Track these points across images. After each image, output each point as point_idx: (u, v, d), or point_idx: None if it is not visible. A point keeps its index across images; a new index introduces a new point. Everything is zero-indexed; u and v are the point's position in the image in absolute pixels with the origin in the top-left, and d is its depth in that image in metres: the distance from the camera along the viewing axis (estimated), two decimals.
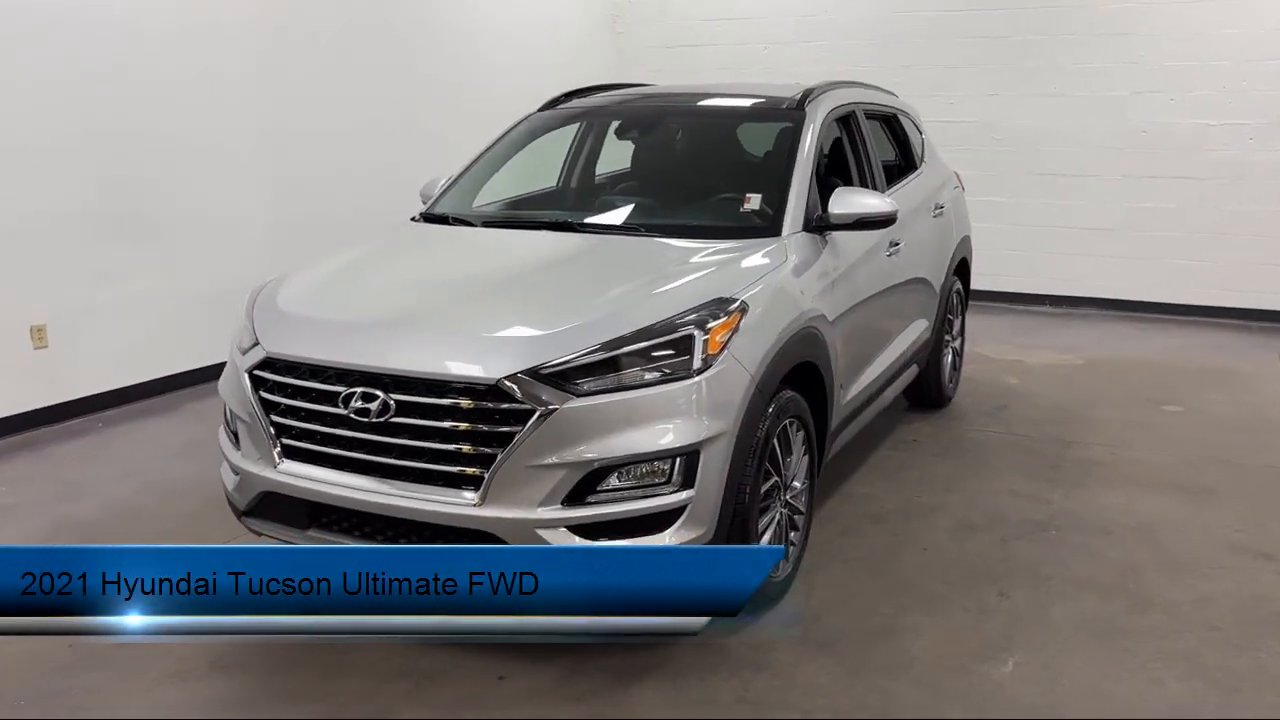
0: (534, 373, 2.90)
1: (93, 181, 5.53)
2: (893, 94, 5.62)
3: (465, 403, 2.93)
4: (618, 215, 4.14)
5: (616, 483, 2.95)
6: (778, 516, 3.53)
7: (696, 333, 3.06)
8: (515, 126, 4.70)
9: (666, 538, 2.99)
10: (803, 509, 3.71)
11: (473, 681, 3.12)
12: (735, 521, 3.19)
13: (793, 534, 3.67)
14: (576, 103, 4.81)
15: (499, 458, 2.89)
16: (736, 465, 3.12)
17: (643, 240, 3.78)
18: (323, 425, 3.11)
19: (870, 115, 5.12)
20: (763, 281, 3.41)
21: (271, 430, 3.20)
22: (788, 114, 4.30)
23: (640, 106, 4.78)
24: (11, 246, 5.20)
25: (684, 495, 3.00)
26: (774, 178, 4.02)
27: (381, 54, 7.28)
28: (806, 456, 3.70)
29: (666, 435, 2.96)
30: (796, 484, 3.65)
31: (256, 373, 3.22)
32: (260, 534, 3.35)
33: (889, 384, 4.80)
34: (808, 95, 4.39)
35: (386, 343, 3.11)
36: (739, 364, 3.13)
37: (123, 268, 5.76)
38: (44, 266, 5.38)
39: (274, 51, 6.48)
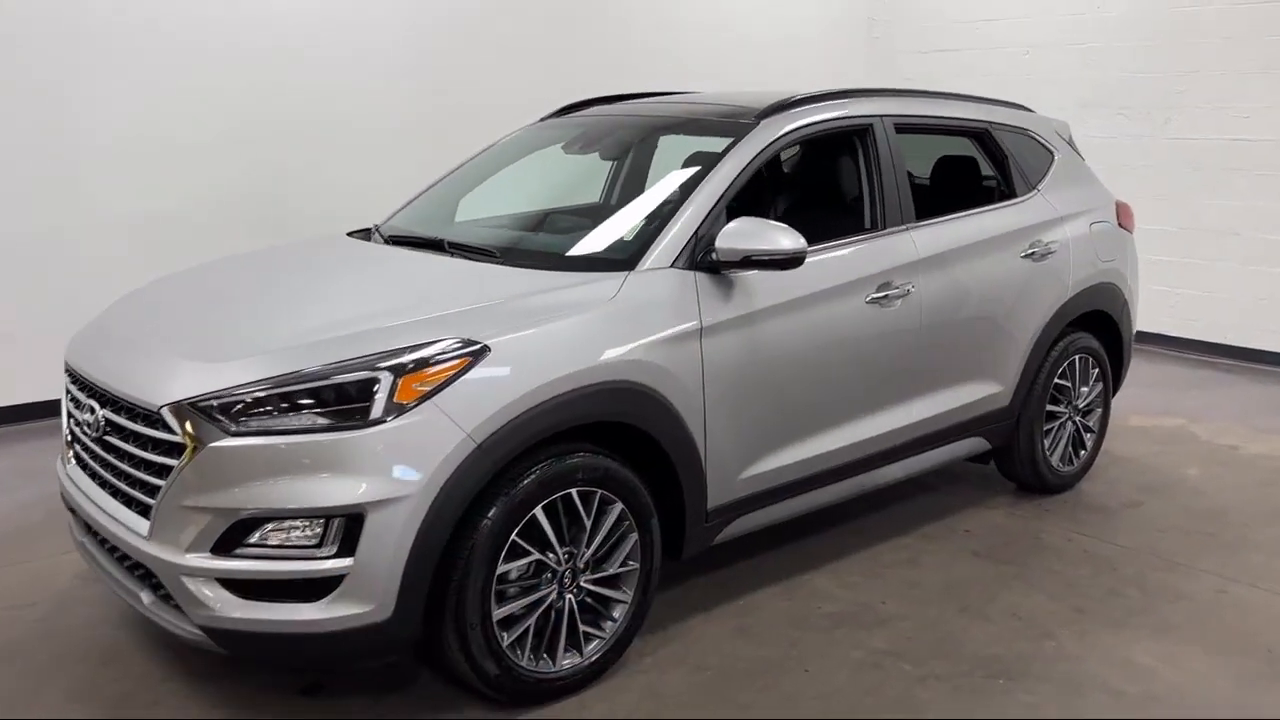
0: (194, 403, 2.64)
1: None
2: (989, 103, 4.59)
3: (142, 428, 2.75)
4: (491, 236, 3.72)
5: (266, 537, 2.61)
6: (565, 603, 2.97)
7: (384, 376, 2.63)
8: (501, 140, 4.41)
9: (318, 610, 2.60)
10: (624, 596, 3.11)
11: None
12: (439, 605, 2.72)
13: (607, 623, 3.08)
14: (573, 116, 4.40)
15: (161, 491, 2.68)
16: (432, 537, 2.65)
17: (471, 266, 3.35)
18: (81, 433, 3.09)
19: (921, 129, 4.21)
20: (537, 325, 2.87)
21: (66, 433, 3.24)
22: (734, 130, 3.62)
23: (603, 120, 4.27)
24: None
25: (340, 563, 2.59)
26: (668, 202, 3.40)
27: (605, 52, 7.19)
28: (636, 535, 3.09)
29: (322, 491, 2.57)
30: (612, 568, 3.06)
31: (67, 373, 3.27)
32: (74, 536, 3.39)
33: (891, 457, 3.92)
34: (773, 109, 3.68)
35: (116, 357, 3.02)
36: (447, 419, 2.65)
37: None
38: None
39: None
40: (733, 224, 3.24)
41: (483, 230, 3.90)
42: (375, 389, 2.61)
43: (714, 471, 3.29)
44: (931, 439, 4.07)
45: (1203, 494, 4.73)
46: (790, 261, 3.21)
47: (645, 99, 4.47)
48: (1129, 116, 7.60)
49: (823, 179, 4.15)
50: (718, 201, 3.37)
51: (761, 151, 3.55)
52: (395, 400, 2.61)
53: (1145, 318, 7.62)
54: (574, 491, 2.92)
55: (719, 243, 3.21)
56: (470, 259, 3.40)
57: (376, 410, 2.60)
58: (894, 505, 4.52)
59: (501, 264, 3.32)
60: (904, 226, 3.90)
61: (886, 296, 3.74)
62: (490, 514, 2.75)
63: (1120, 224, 4.84)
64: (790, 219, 4.08)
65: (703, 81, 7.10)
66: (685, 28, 7.81)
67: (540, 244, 3.63)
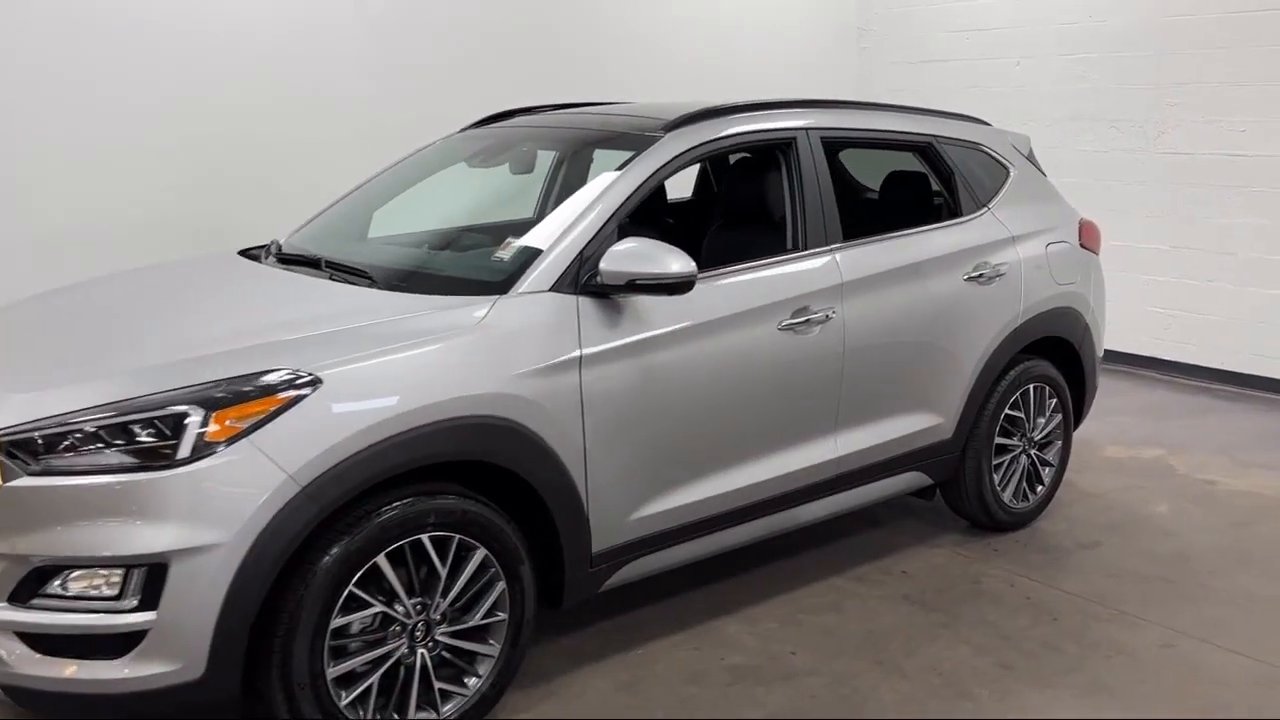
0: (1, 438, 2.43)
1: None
2: (936, 115, 4.31)
3: None
4: (378, 256, 3.49)
5: (64, 587, 2.39)
6: (417, 658, 2.72)
7: (193, 412, 2.40)
8: (421, 151, 4.18)
9: (120, 668, 2.38)
10: (490, 650, 2.86)
11: None
12: (263, 662, 2.49)
13: (471, 679, 2.83)
14: (494, 126, 4.17)
15: None
16: (248, 589, 2.41)
17: (335, 288, 3.12)
18: None
19: (854, 143, 3.96)
20: (382, 354, 2.63)
21: None
22: (637, 143, 3.38)
23: (513, 132, 4.03)
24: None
25: (141, 617, 2.36)
26: (558, 221, 3.16)
27: (579, 61, 7.00)
28: (504, 583, 2.85)
29: (122, 538, 2.34)
30: (475, 619, 2.81)
31: None
32: None
33: (814, 494, 3.65)
34: (681, 122, 3.43)
35: None
36: (266, 459, 2.41)
37: None
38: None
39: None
40: (618, 245, 2.99)
41: (374, 249, 3.67)
42: (184, 426, 2.38)
43: (599, 513, 3.04)
44: (861, 474, 3.79)
45: (1169, 535, 4.41)
46: (678, 286, 2.96)
47: (571, 109, 4.22)
48: (1121, 130, 7.28)
49: (746, 197, 3.89)
50: (609, 220, 3.12)
51: (664, 167, 3.31)
52: (206, 439, 2.38)
53: (1138, 341, 7.31)
54: (425, 537, 2.67)
55: (602, 265, 2.97)
56: (343, 281, 3.16)
57: (184, 449, 2.37)
58: (834, 542, 4.24)
59: (372, 286, 3.09)
60: (828, 248, 3.63)
61: (806, 322, 3.48)
62: (321, 563, 2.51)
63: (1083, 244, 4.53)
64: (716, 239, 3.89)
65: (687, 93, 6.90)
66: (668, 36, 7.57)
67: (421, 265, 3.39)
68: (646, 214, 4.35)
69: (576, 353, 2.92)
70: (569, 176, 4.23)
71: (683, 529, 3.29)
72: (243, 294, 3.22)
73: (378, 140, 5.79)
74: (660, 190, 4.34)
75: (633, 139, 3.41)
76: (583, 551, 3.03)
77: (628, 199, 3.19)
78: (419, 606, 2.71)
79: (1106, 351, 7.39)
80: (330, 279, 3.20)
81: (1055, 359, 4.43)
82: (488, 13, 6.58)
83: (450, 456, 2.69)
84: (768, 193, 3.75)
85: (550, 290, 2.96)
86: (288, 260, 3.52)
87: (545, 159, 4.13)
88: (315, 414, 2.49)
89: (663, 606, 3.68)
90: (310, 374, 2.51)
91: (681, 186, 5.17)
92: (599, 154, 3.68)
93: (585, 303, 3.00)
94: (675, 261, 2.95)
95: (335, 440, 2.49)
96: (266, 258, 3.58)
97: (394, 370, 2.63)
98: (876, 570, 4.02)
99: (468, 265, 3.28)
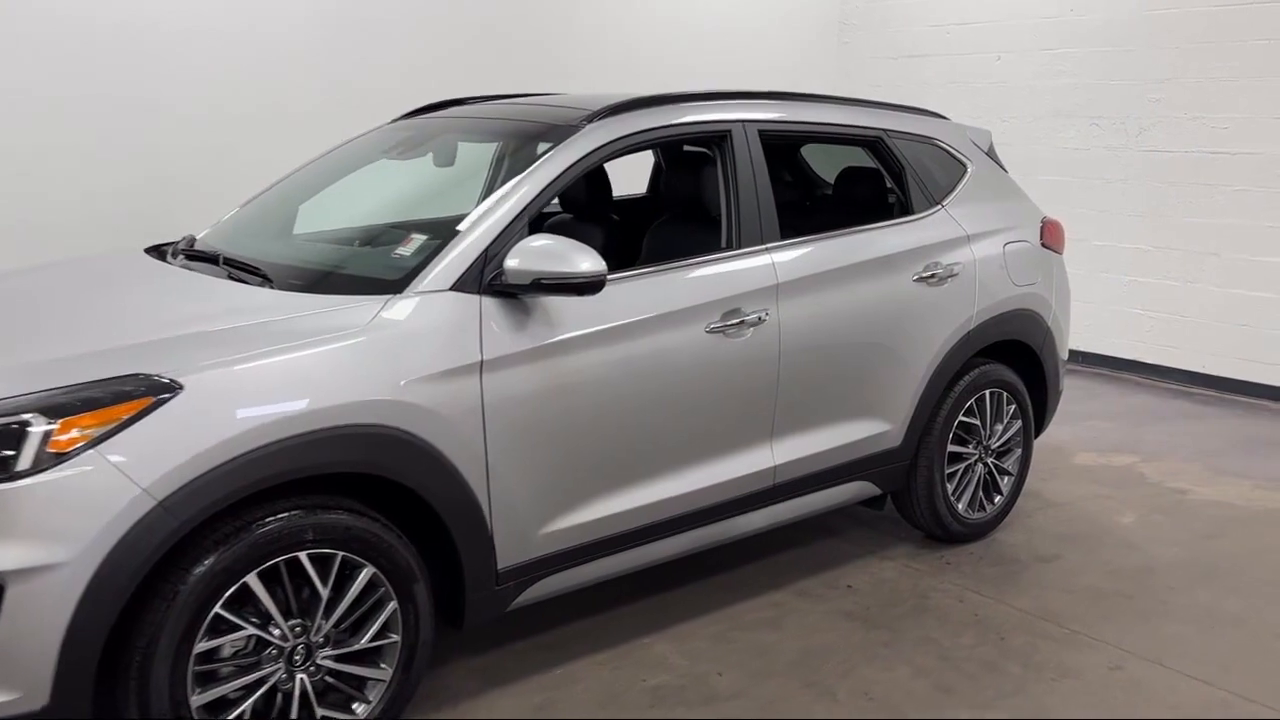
0: None
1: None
2: (888, 108, 4.12)
3: None
4: (281, 253, 3.30)
5: None
6: (296, 684, 2.54)
7: (37, 420, 2.22)
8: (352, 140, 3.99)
9: None
10: (382, 675, 2.68)
11: None
12: (120, 689, 2.31)
13: (360, 706, 2.66)
14: (428, 117, 3.98)
15: None
16: (97, 612, 2.24)
17: (222, 287, 2.94)
18: None
19: (796, 137, 3.78)
20: (254, 358, 2.45)
21: None
22: (556, 135, 3.19)
23: (438, 123, 3.84)
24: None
25: None
26: (470, 216, 2.97)
27: (570, 47, 6.80)
28: (395, 603, 2.67)
29: None
30: (363, 642, 2.64)
31: None
32: None
33: (749, 505, 3.47)
34: (604, 112, 3.25)
35: None
36: (117, 471, 2.24)
37: None
38: None
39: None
40: (525, 242, 2.81)
41: (283, 246, 3.48)
42: (25, 435, 2.20)
43: (504, 527, 2.86)
44: (801, 484, 3.60)
45: (1132, 547, 4.22)
46: (587, 286, 2.78)
47: (506, 100, 4.03)
48: (1102, 126, 7.08)
49: (682, 193, 3.70)
50: (519, 216, 2.94)
51: (582, 159, 3.12)
52: (48, 449, 2.20)
53: (1118, 343, 7.11)
54: (303, 555, 2.49)
55: (506, 263, 2.79)
56: (239, 280, 2.98)
57: (24, 461, 2.19)
58: (781, 552, 4.06)
59: (267, 285, 2.91)
60: (764, 246, 3.44)
61: (738, 324, 3.29)
62: (183, 584, 2.33)
63: (1045, 243, 4.34)
64: (655, 237, 3.71)
65: (662, 86, 6.69)
66: (647, 28, 7.38)
67: (322, 262, 3.21)
68: (591, 210, 4.19)
69: (478, 357, 2.74)
70: (511, 170, 4.04)
71: (602, 543, 3.11)
72: (126, 294, 3.04)
73: (331, 139, 5.62)
74: (604, 185, 4.16)
75: (553, 130, 3.23)
76: (486, 569, 2.84)
77: (541, 193, 3.01)
78: (298, 628, 2.53)
79: (1086, 354, 7.26)
80: (228, 277, 3.02)
81: (1015, 363, 4.24)
82: (455, 13, 6.38)
83: (330, 469, 2.51)
84: (704, 189, 3.57)
85: (451, 290, 2.78)
86: (196, 257, 3.34)
87: (476, 151, 3.94)
88: (175, 422, 2.30)
89: (591, 622, 3.50)
90: (171, 379, 2.33)
91: (638, 182, 5.01)
92: (526, 146, 3.48)
93: (490, 303, 2.81)
94: (585, 260, 2.77)
95: (197, 450, 2.31)
96: (172, 255, 3.40)
97: (268, 375, 2.45)
98: (821, 584, 3.84)
99: (368, 263, 3.11)
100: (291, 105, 5.80)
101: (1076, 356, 7.07)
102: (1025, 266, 4.20)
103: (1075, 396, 6.21)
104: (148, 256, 3.39)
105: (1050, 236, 4.38)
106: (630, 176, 4.85)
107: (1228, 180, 6.46)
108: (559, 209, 4.34)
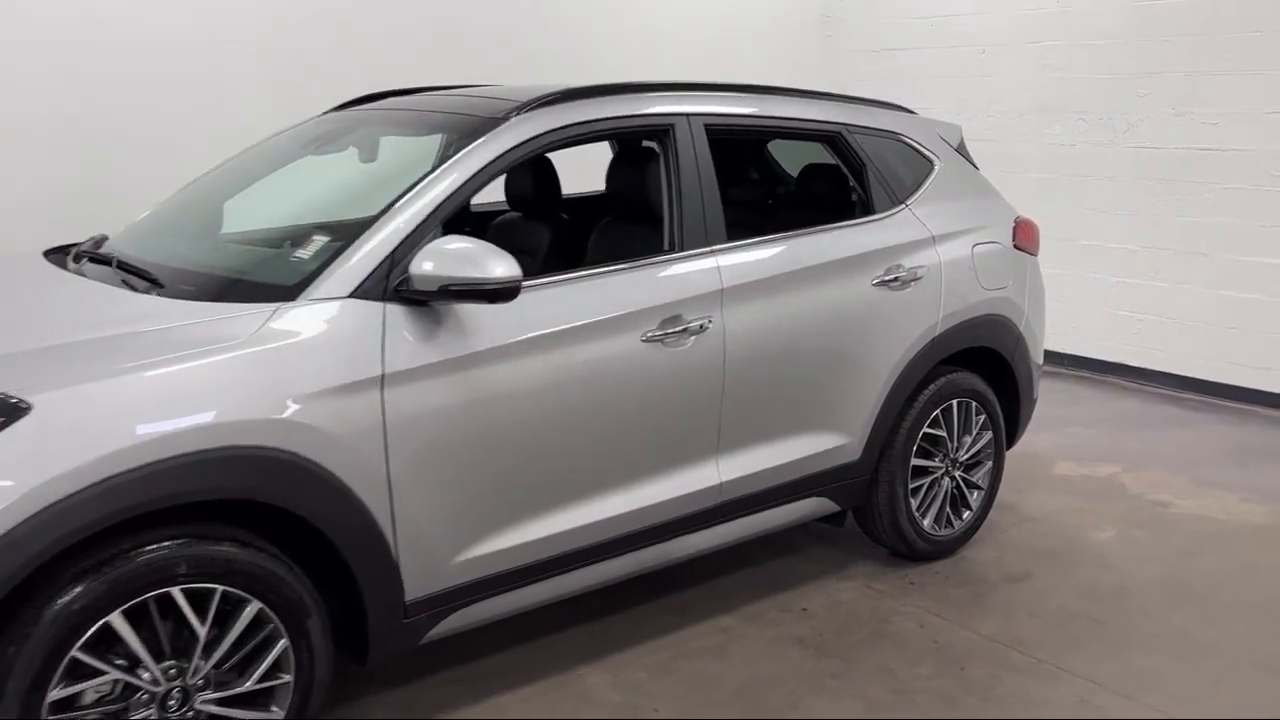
0: None
1: None
2: (849, 102, 3.89)
3: None
4: (184, 255, 3.05)
5: None
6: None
7: None
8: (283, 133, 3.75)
9: None
10: (272, 717, 2.46)
11: None
12: None
13: None
14: (361, 109, 3.74)
15: None
16: None
17: (104, 294, 2.72)
18: None
19: (748, 133, 3.55)
20: (118, 374, 2.22)
21: None
22: (479, 128, 2.96)
23: (363, 116, 3.61)
24: None
25: None
26: (368, 217, 2.74)
27: (542, 42, 6.55)
28: (286, 640, 2.44)
29: None
30: (249, 683, 2.41)
31: None
32: None
33: (692, 525, 3.24)
34: (530, 105, 3.02)
35: None
36: None
37: None
38: None
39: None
40: (436, 244, 2.58)
41: (188, 248, 3.23)
42: None
43: (412, 556, 2.63)
44: (750, 501, 3.38)
45: (1107, 566, 3.99)
46: (500, 293, 2.55)
47: (445, 91, 3.80)
48: (1088, 122, 6.84)
49: (625, 192, 3.48)
50: (430, 216, 2.71)
51: (502, 156, 2.89)
52: None
53: (1105, 346, 6.87)
54: (176, 590, 2.26)
55: (411, 268, 2.56)
56: (128, 286, 2.75)
57: None
58: (734, 572, 3.84)
59: (155, 291, 2.67)
60: (709, 249, 3.21)
61: (679, 332, 3.06)
62: (33, 625, 2.10)
63: (1018, 245, 4.11)
64: (599, 239, 3.49)
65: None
66: (625, 25, 7.11)
67: (219, 266, 2.96)
68: (539, 208, 3.96)
69: (378, 370, 2.51)
70: (371, 169, 3.79)
71: (527, 569, 2.88)
72: (2, 301, 2.80)
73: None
74: (552, 181, 3.92)
75: (477, 123, 3.00)
76: (392, 600, 2.62)
77: (457, 191, 2.78)
78: (172, 671, 2.30)
79: (1070, 357, 7.02)
80: (121, 283, 2.79)
81: (984, 371, 4.01)
82: (407, 14, 6.12)
83: (203, 496, 2.28)
84: (647, 187, 3.34)
85: (350, 297, 2.55)
86: (97, 260, 3.10)
87: (410, 146, 3.70)
88: (19, 447, 2.08)
89: (523, 650, 3.28)
90: (18, 398, 2.10)
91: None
92: (459, 140, 3.25)
93: (395, 312, 2.58)
94: (498, 265, 2.54)
95: (45, 478, 2.08)
96: (74, 258, 3.16)
97: (131, 393, 2.22)
98: (774, 607, 3.61)
99: (269, 268, 2.87)
100: (241, 111, 5.54)
101: (1060, 359, 6.85)
102: (995, 269, 3.96)
103: (1057, 401, 5.99)
104: (42, 260, 3.15)
105: (1023, 237, 4.15)
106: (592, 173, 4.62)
107: (1218, 178, 6.22)
108: (506, 207, 4.11)
